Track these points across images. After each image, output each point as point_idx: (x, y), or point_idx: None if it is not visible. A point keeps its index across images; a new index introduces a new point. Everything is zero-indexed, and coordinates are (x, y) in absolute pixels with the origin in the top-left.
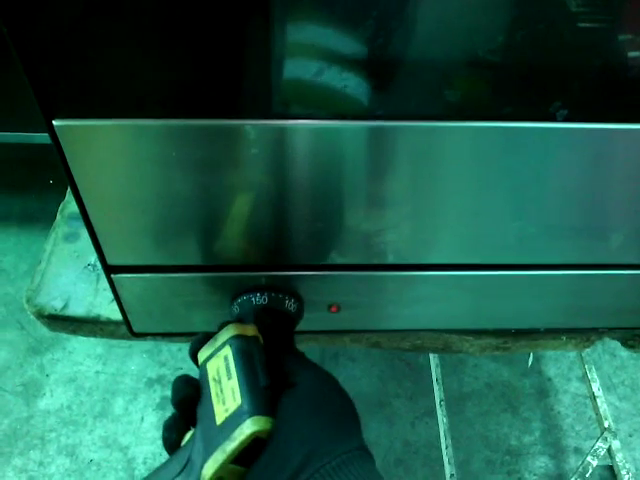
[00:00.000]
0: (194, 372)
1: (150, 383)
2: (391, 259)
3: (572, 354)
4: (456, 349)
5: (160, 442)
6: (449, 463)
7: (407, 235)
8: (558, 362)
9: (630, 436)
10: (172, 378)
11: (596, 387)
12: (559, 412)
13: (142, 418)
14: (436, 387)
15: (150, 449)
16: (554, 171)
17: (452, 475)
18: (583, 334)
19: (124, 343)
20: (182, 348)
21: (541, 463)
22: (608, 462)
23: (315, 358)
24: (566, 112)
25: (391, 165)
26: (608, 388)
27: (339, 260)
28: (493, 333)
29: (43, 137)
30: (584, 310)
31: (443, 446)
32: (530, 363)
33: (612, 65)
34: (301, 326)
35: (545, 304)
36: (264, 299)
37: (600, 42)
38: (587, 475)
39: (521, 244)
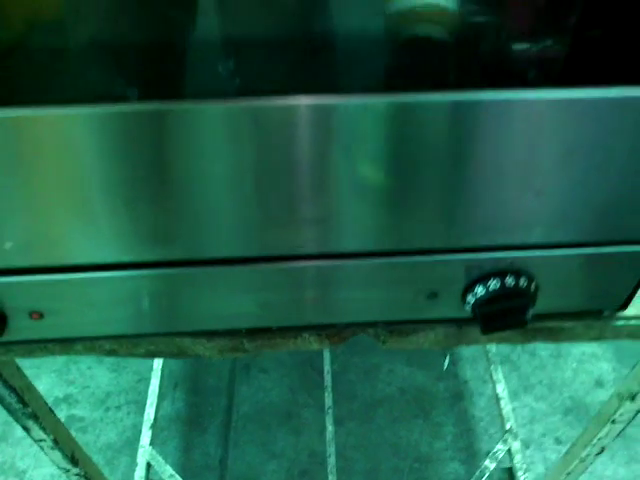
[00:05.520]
0: (101, 390)
1: (57, 402)
2: (84, 258)
3: (492, 355)
4: (192, 353)
5: None
6: (330, 472)
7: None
8: (475, 364)
9: (543, 436)
10: (79, 397)
11: (500, 388)
12: (473, 415)
13: None
14: (326, 394)
15: (49, 471)
16: None
17: None
18: (330, 330)
19: (33, 364)
20: (91, 366)
21: (451, 469)
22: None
23: (225, 369)
24: None
25: None
26: (526, 388)
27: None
28: (225, 334)
29: None
30: (324, 305)
31: (327, 454)
32: (445, 366)
33: None
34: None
35: (264, 299)
36: None
37: None
38: (484, 478)
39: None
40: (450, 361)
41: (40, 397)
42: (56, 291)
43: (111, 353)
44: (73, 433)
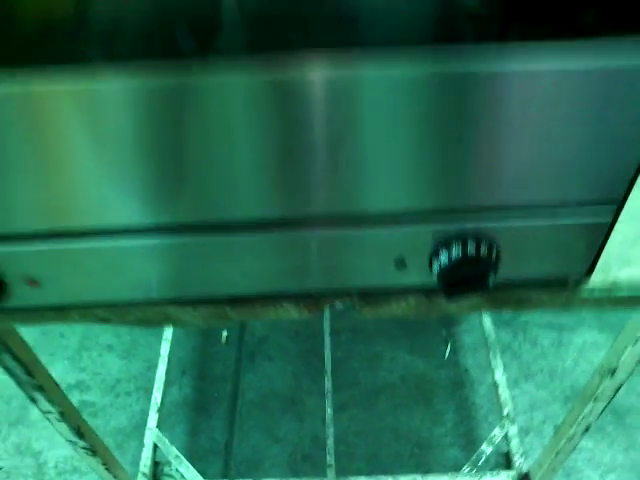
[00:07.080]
0: (112, 377)
1: (69, 388)
2: (79, 223)
3: (491, 343)
4: (179, 321)
5: None
6: (329, 453)
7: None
8: (476, 353)
9: (543, 423)
10: (91, 383)
11: (499, 374)
12: (474, 403)
13: None
14: (325, 379)
15: (63, 453)
16: None
17: (330, 465)
18: (308, 299)
19: (47, 351)
20: (102, 354)
21: (450, 454)
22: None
23: (232, 357)
24: None
25: None
26: (526, 376)
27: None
28: (209, 302)
29: None
30: (300, 273)
31: (326, 436)
32: (447, 355)
33: None
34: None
35: (243, 268)
36: None
37: None
38: (480, 463)
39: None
40: (451, 349)
41: (45, 371)
42: (51, 259)
43: (104, 321)
44: (84, 418)
